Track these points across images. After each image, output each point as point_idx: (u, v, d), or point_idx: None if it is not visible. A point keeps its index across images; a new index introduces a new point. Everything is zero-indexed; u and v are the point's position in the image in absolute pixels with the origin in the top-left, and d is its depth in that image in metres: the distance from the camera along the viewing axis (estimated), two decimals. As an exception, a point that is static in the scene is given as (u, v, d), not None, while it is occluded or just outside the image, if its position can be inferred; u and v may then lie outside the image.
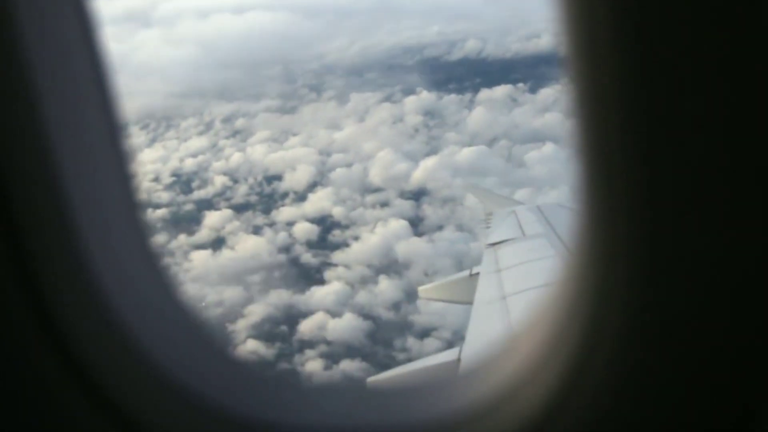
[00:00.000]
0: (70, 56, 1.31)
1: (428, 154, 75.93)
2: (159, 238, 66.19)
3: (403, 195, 69.41)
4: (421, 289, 15.20)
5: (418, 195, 68.94)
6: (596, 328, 1.16)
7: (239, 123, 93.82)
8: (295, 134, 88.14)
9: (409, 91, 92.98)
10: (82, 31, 1.32)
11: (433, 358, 10.12)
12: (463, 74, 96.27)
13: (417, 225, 63.34)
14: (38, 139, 1.23)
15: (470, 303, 10.60)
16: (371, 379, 11.22)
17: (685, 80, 0.99)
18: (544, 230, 12.80)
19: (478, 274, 11.77)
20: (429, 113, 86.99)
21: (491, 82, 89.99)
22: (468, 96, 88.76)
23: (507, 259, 11.78)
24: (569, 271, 1.25)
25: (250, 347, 50.11)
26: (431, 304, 43.75)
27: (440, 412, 1.35)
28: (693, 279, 1.09)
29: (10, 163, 1.23)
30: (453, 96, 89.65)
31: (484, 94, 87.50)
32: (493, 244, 12.80)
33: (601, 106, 1.03)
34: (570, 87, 1.07)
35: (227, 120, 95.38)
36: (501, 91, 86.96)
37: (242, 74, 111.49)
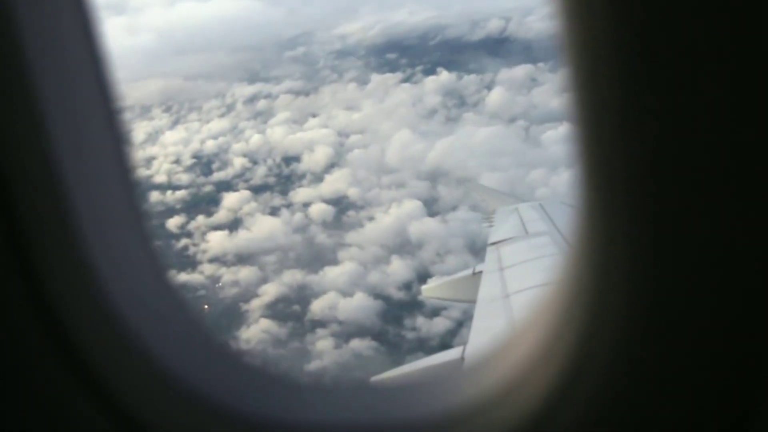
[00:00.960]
0: (71, 55, 1.32)
1: (445, 135, 76.07)
2: (176, 221, 67.25)
3: (419, 176, 69.77)
4: (425, 288, 15.62)
5: (433, 175, 69.22)
6: (595, 326, 1.17)
7: (260, 105, 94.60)
8: (314, 115, 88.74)
9: (430, 72, 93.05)
10: (82, 30, 1.33)
11: (437, 357, 10.25)
12: (484, 54, 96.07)
13: (431, 205, 63.72)
14: (40, 139, 1.24)
15: (473, 301, 10.71)
16: (375, 378, 11.30)
17: (685, 78, 0.99)
18: (547, 228, 12.87)
19: (481, 272, 11.91)
20: (448, 93, 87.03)
21: (512, 62, 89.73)
22: (488, 76, 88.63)
23: (510, 258, 11.88)
24: (569, 269, 1.26)
25: (263, 326, 50.90)
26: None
27: (440, 408, 1.36)
28: (692, 278, 1.09)
29: (11, 163, 1.24)
30: (473, 76, 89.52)
31: (505, 74, 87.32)
32: (496, 243, 12.90)
33: (600, 105, 1.04)
34: (569, 86, 1.07)
35: (249, 102, 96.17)
36: (521, 70, 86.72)
37: (264, 56, 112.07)
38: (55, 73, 1.26)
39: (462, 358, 9.03)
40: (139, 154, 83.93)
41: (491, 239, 13.32)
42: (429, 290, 15.52)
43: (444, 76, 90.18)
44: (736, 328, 1.11)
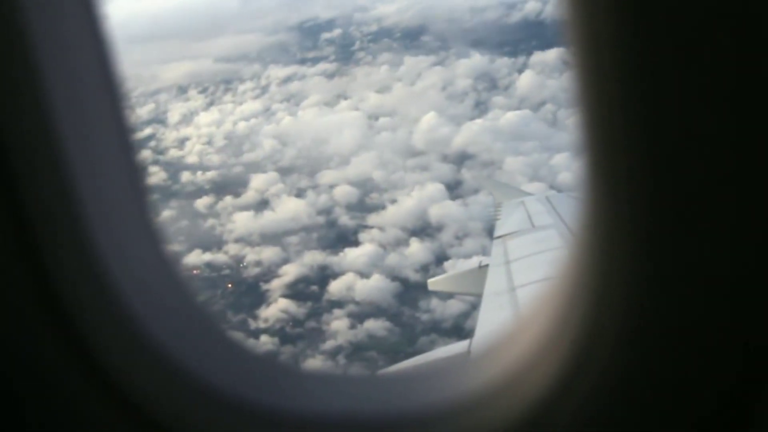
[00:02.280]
0: (79, 56, 1.32)
1: (473, 118, 76.10)
2: (204, 201, 68.48)
3: (444, 159, 70.02)
4: (431, 281, 15.35)
5: (458, 159, 69.42)
6: (599, 319, 1.17)
7: (294, 87, 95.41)
8: (346, 98, 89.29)
9: (463, 54, 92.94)
10: (91, 31, 1.33)
11: (443, 350, 10.51)
12: (519, 37, 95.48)
13: (454, 188, 64.00)
14: (49, 136, 1.24)
15: (480, 295, 10.80)
16: (382, 371, 11.46)
17: (690, 75, 0.99)
18: (553, 221, 12.89)
19: (487, 266, 11.95)
20: (480, 77, 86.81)
21: (546, 45, 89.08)
22: (521, 59, 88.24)
23: (516, 251, 11.94)
24: (573, 263, 1.26)
25: (281, 306, 51.84)
26: (458, 268, 44.57)
27: (444, 399, 1.37)
28: (695, 276, 1.09)
29: (22, 161, 1.24)
30: (505, 59, 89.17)
31: (538, 57, 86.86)
32: (502, 236, 12.95)
33: (605, 102, 1.03)
34: (573, 82, 1.07)
35: (283, 84, 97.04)
36: (554, 54, 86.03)
37: (301, 38, 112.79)
38: (65, 73, 1.27)
39: (468, 352, 9.09)
40: (173, 135, 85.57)
41: (497, 232, 13.38)
42: (435, 283, 15.36)
43: (476, 59, 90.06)
44: (740, 325, 1.11)
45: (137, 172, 1.44)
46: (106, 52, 1.35)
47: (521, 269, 11.04)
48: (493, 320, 9.59)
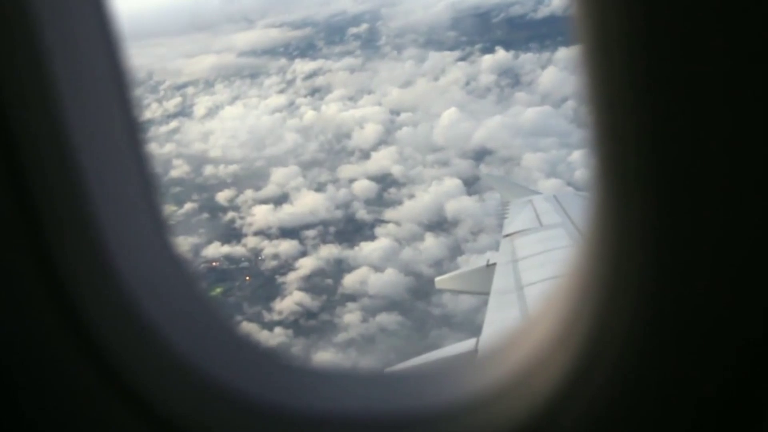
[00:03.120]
0: (88, 53, 1.32)
1: (494, 114, 76.04)
2: (226, 194, 69.31)
3: (463, 154, 70.17)
4: (438, 280, 15.24)
5: (477, 155, 69.54)
6: (607, 318, 1.16)
7: (319, 81, 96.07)
8: (370, 92, 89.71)
9: (488, 50, 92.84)
10: (100, 28, 1.33)
11: (450, 349, 10.35)
12: (546, 32, 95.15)
13: (471, 184, 64.14)
14: (58, 134, 1.24)
15: (487, 293, 10.80)
16: (388, 369, 11.12)
17: (702, 75, 0.98)
18: (561, 220, 12.90)
19: (495, 264, 11.99)
20: (503, 72, 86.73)
21: (571, 41, 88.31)
22: (546, 55, 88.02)
23: (524, 250, 11.99)
24: (581, 261, 1.25)
25: (296, 299, 52.45)
26: (472, 264, 44.87)
27: (452, 398, 1.36)
28: (705, 271, 1.08)
29: (31, 159, 1.25)
30: (530, 55, 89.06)
31: (563, 52, 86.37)
32: (510, 234, 13.02)
33: (614, 97, 1.03)
34: (582, 79, 1.07)
35: (308, 78, 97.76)
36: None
37: (328, 32, 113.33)
38: (72, 68, 1.27)
39: (476, 351, 9.16)
40: (198, 128, 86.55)
41: (505, 231, 13.46)
42: (442, 282, 15.27)
43: (501, 55, 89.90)
44: (750, 323, 1.10)
45: (146, 169, 1.45)
46: (115, 49, 1.36)
47: (529, 268, 11.07)
48: (500, 319, 9.60)
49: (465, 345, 9.78)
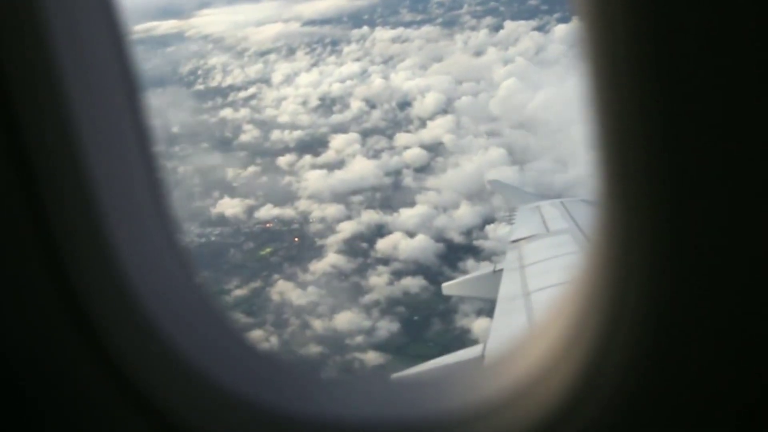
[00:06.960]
0: (97, 52, 1.33)
1: (556, 85, 76.07)
2: (287, 159, 72.46)
3: (515, 125, 70.86)
4: (445, 285, 15.06)
5: (528, 125, 70.08)
6: (615, 324, 1.15)
7: (393, 49, 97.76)
8: (440, 61, 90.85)
9: (565, 20, 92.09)
10: (108, 27, 1.34)
11: (458, 355, 10.24)
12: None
13: (516, 154, 65.01)
14: (68, 134, 1.24)
15: (494, 299, 10.65)
16: (395, 375, 11.17)
17: (704, 69, 0.96)
18: (568, 226, 12.80)
19: (502, 270, 11.80)
20: (575, 43, 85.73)
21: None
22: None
23: (531, 256, 11.81)
24: (588, 267, 1.24)
25: (331, 260, 55.10)
26: (500, 232, 46.14)
27: (459, 405, 1.36)
28: (712, 276, 1.06)
29: (41, 159, 1.24)
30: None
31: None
32: (517, 240, 12.85)
33: (619, 99, 1.01)
34: (587, 79, 1.05)
35: (385, 46, 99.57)
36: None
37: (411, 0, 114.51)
38: (85, 75, 1.28)
39: (482, 356, 9.15)
40: (273, 94, 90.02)
41: (512, 237, 13.32)
42: (450, 287, 14.98)
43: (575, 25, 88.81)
44: (758, 326, 1.08)
45: (156, 172, 1.45)
46: (125, 52, 1.37)
47: (536, 274, 10.97)
48: (507, 325, 9.54)
49: (472, 351, 9.89)
